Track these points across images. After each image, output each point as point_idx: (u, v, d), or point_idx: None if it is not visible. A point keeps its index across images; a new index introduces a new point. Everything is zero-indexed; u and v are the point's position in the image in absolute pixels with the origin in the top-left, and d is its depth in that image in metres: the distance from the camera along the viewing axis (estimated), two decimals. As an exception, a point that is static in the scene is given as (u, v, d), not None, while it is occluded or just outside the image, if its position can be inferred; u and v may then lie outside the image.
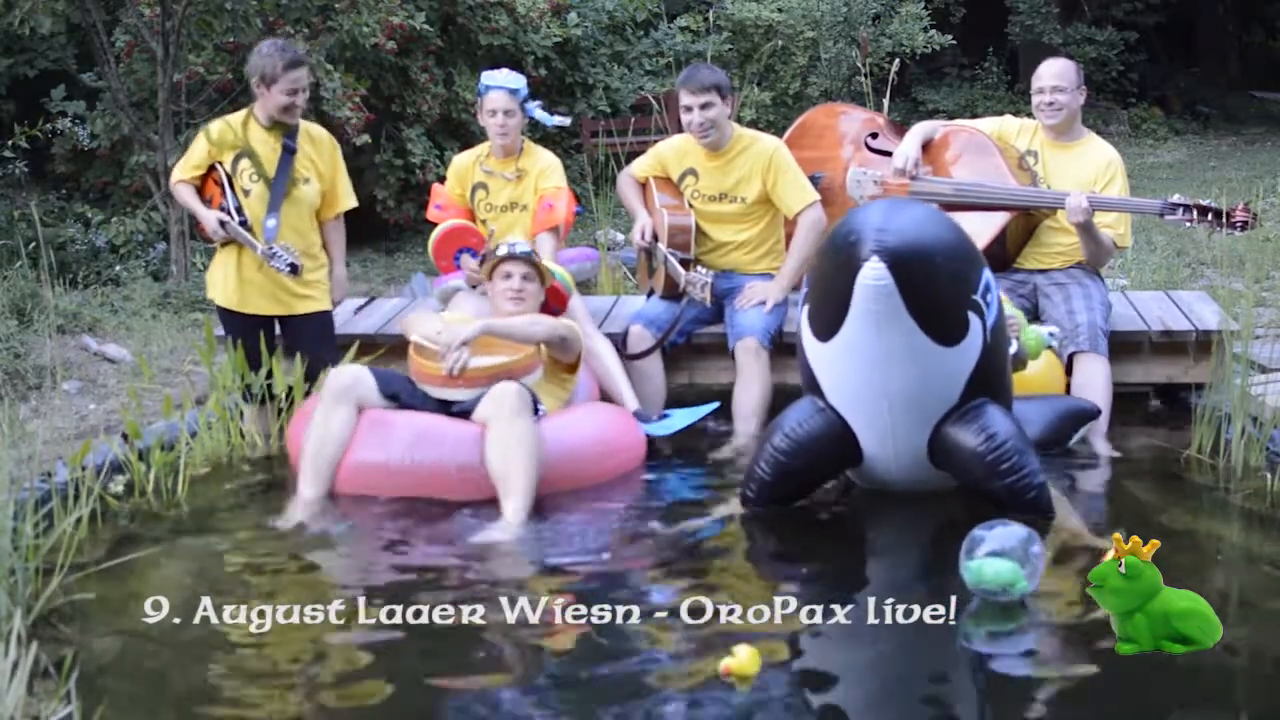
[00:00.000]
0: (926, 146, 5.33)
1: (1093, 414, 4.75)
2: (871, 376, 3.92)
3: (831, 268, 3.86)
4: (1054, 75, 5.14)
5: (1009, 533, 3.48)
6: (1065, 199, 4.96)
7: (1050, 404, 4.68)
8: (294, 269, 4.74)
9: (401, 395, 4.44)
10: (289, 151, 4.89)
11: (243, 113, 5.00)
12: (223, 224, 4.82)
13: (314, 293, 5.00)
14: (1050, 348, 4.82)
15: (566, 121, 5.80)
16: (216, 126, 4.97)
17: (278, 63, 4.80)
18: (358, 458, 4.28)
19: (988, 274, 3.96)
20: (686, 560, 3.89)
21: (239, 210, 4.84)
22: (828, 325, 3.90)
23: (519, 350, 4.48)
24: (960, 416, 3.98)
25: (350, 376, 4.39)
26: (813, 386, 4.12)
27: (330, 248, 5.10)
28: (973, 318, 3.86)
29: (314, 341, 4.96)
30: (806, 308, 4.05)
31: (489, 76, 5.23)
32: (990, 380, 4.02)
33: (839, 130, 5.61)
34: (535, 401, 4.35)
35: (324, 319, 5.07)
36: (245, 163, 4.89)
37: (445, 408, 4.42)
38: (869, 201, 5.34)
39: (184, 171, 4.99)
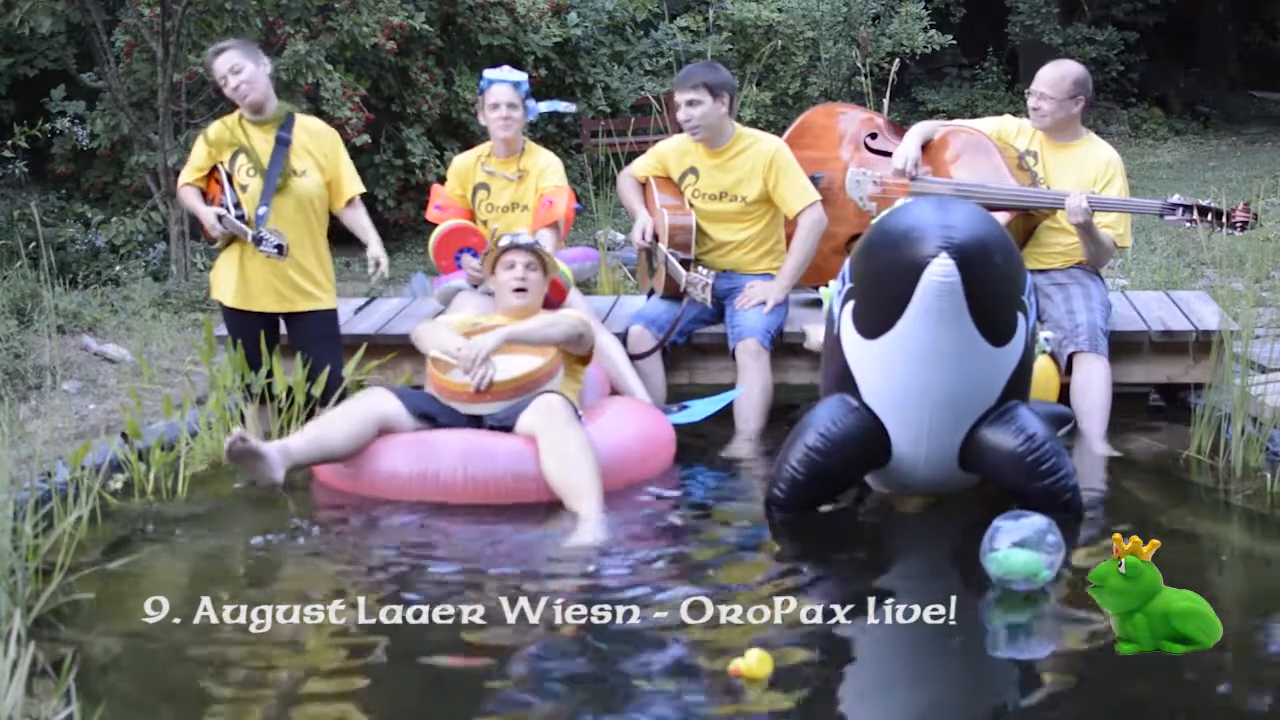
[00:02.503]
0: (926, 147, 5.32)
1: (1066, 419, 4.75)
2: (919, 375, 3.87)
3: (888, 265, 3.79)
4: (1045, 81, 5.12)
5: (1029, 523, 3.52)
6: (1065, 199, 4.95)
7: None
8: (280, 250, 4.76)
9: (434, 416, 4.41)
10: (283, 144, 4.94)
11: (236, 113, 5.05)
12: (220, 218, 4.86)
13: (318, 291, 5.01)
14: (1045, 352, 4.81)
15: (572, 108, 5.81)
16: (214, 128, 5.05)
17: (210, 61, 5.01)
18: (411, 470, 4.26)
19: (1030, 277, 3.96)
20: (686, 560, 3.89)
21: (237, 205, 4.89)
22: (879, 322, 3.84)
23: (543, 354, 4.45)
24: (997, 418, 3.94)
25: (378, 399, 4.38)
26: (845, 384, 4.03)
27: (356, 232, 5.13)
28: (1020, 318, 3.86)
29: (318, 340, 4.97)
30: (850, 305, 3.96)
31: (491, 73, 5.30)
32: (1021, 382, 4.02)
33: (838, 130, 5.59)
34: (577, 411, 4.34)
35: (328, 318, 5.08)
36: (243, 159, 4.95)
37: (477, 422, 4.41)
38: (870, 202, 5.35)
39: (187, 175, 5.07)
